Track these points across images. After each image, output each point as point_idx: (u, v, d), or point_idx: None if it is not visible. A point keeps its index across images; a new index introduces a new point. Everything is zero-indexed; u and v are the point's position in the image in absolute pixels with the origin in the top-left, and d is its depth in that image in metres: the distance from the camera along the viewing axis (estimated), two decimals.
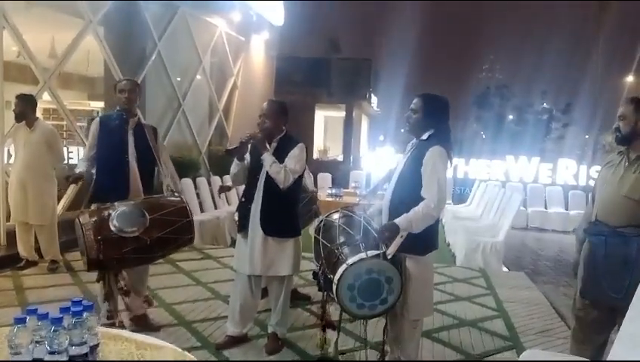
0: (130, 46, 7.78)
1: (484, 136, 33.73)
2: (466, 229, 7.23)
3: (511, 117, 32.51)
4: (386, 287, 2.73)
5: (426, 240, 2.87)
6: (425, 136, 2.89)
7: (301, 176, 3.47)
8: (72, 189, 6.24)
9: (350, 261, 2.72)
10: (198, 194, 7.60)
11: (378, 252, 2.75)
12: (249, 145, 3.39)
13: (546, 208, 11.14)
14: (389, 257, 2.73)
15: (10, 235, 5.48)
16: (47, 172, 5.25)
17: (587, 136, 29.36)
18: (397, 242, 2.73)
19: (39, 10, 6.71)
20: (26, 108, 5.13)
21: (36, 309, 1.78)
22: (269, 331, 3.58)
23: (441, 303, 4.71)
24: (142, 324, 3.72)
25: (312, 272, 3.20)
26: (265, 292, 3.76)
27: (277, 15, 12.03)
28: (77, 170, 3.67)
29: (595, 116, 25.95)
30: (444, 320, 4.32)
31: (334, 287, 2.73)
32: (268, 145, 3.35)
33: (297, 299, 4.41)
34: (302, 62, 18.00)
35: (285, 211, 3.42)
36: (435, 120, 2.90)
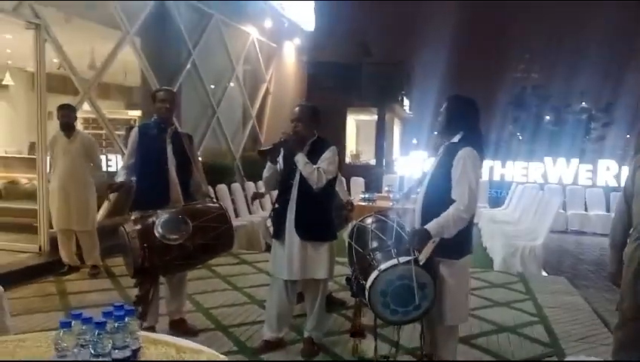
0: (166, 55, 7.96)
1: (520, 138, 33.01)
2: (503, 233, 7.09)
3: (548, 117, 31.72)
4: (419, 293, 2.68)
5: (459, 244, 2.81)
6: (455, 139, 2.85)
7: (335, 178, 3.48)
8: (111, 196, 6.41)
9: (382, 267, 2.70)
10: (232, 200, 7.69)
11: (410, 258, 2.70)
12: (282, 149, 3.42)
13: (586, 210, 10.82)
14: (421, 263, 2.69)
15: (52, 242, 5.66)
16: (87, 180, 5.41)
17: (628, 136, 28.39)
18: (429, 247, 2.69)
19: (78, 22, 6.95)
20: (71, 117, 5.34)
21: (80, 314, 1.84)
22: (305, 336, 3.59)
23: (478, 309, 4.62)
24: (181, 329, 3.77)
25: (345, 277, 3.19)
26: (301, 297, 3.77)
27: (308, 20, 12.10)
28: (117, 179, 3.76)
29: (638, 115, 25.08)
30: (482, 326, 4.24)
31: (367, 293, 2.71)
32: (305, 149, 3.37)
33: (333, 304, 4.41)
34: (333, 66, 18.05)
35: (320, 215, 3.43)
36: (465, 121, 2.87)
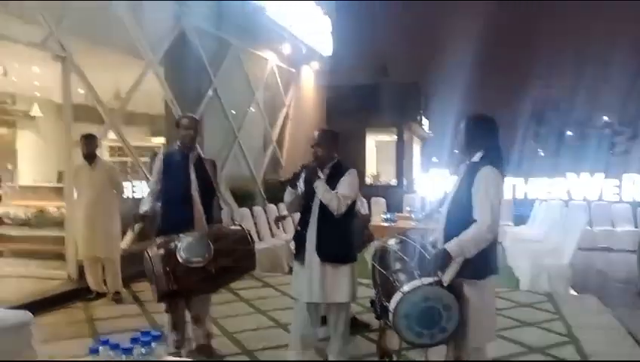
0: (188, 83, 8.14)
1: (542, 154, 32.60)
2: (529, 252, 6.97)
3: (570, 133, 31.31)
4: (444, 315, 2.65)
5: (483, 264, 2.77)
6: (476, 158, 2.83)
7: (354, 202, 3.50)
8: (136, 227, 6.51)
9: (406, 289, 2.68)
10: (255, 223, 7.75)
11: (433, 279, 2.68)
12: (302, 174, 3.47)
13: (613, 227, 10.58)
14: (445, 284, 2.67)
15: (81, 269, 5.74)
16: (112, 207, 5.53)
17: None
18: (453, 268, 2.67)
19: (103, 53, 7.17)
20: (93, 147, 5.48)
21: (107, 340, 1.88)
22: (329, 359, 3.57)
23: (506, 329, 4.54)
24: (206, 353, 3.79)
25: (369, 300, 3.18)
26: (324, 320, 3.76)
27: (326, 45, 12.27)
28: (142, 208, 3.83)
29: None
30: (510, 348, 4.16)
31: (391, 316, 2.69)
32: (320, 173, 3.41)
33: (357, 326, 4.38)
34: (351, 89, 18.18)
35: (340, 237, 3.44)
36: (484, 140, 2.84)
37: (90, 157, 5.45)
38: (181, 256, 3.19)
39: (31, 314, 3.38)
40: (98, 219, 5.41)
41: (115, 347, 1.84)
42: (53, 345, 4.10)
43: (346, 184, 3.36)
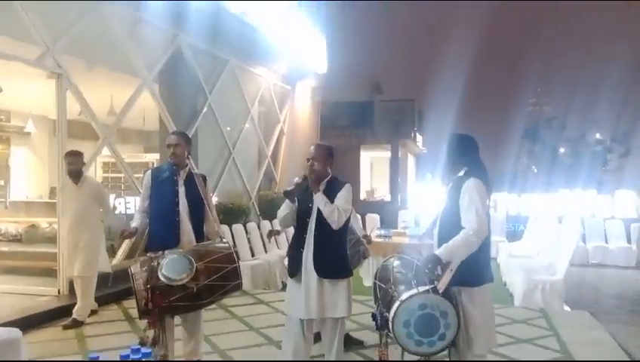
0: (183, 100, 8.18)
1: (535, 171, 32.81)
2: (522, 268, 6.98)
3: (562, 150, 31.57)
4: (442, 322, 2.71)
5: (477, 272, 2.86)
6: (461, 173, 2.97)
7: (349, 218, 3.51)
8: (124, 243, 6.47)
9: (403, 297, 2.76)
10: (249, 239, 7.72)
11: (429, 287, 2.76)
12: (302, 186, 3.47)
13: (606, 243, 10.62)
14: (440, 291, 2.73)
15: (72, 286, 5.66)
16: (97, 225, 5.37)
17: None
18: (447, 276, 2.74)
19: (98, 70, 7.20)
20: (78, 164, 5.24)
21: (98, 357, 1.87)
22: None
23: (500, 346, 4.50)
24: None
25: (371, 314, 3.18)
26: (318, 337, 3.74)
27: (320, 63, 12.38)
28: (132, 224, 3.81)
29: None
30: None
31: (390, 324, 2.75)
32: (321, 188, 3.42)
33: (350, 343, 4.36)
34: (346, 106, 18.36)
35: (337, 252, 3.45)
36: (466, 157, 2.99)
37: (76, 175, 5.22)
38: (162, 273, 3.15)
39: (19, 331, 3.34)
40: (82, 238, 5.25)
41: None
42: None
43: (343, 198, 3.38)
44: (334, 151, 3.60)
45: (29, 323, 4.80)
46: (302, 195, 3.48)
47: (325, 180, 3.48)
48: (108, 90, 8.04)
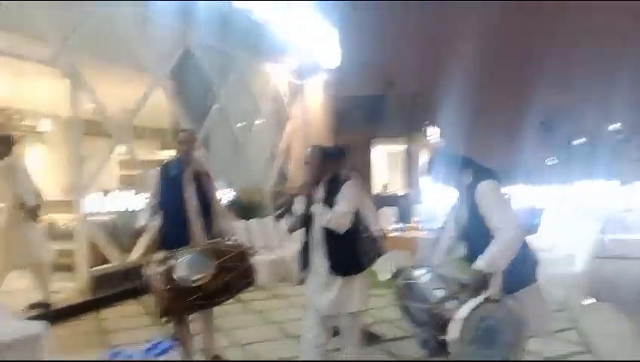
0: (195, 97, 8.20)
1: (552, 163, 32.44)
2: (541, 260, 6.87)
3: (580, 141, 31.16)
4: (505, 329, 2.58)
5: (521, 273, 2.78)
6: (468, 180, 2.86)
7: (357, 213, 3.45)
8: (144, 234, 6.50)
9: (463, 313, 2.52)
10: (265, 235, 7.73)
11: (483, 297, 2.57)
12: (293, 203, 3.46)
13: (626, 234, 10.44)
14: (492, 298, 2.57)
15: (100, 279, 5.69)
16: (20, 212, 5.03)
17: None
18: (497, 282, 2.60)
19: (111, 68, 7.23)
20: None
21: (120, 351, 1.86)
22: None
23: None
24: None
25: (418, 342, 2.99)
26: (336, 331, 3.71)
27: (332, 58, 12.31)
28: (139, 222, 3.80)
29: None
30: (526, 358, 4.07)
31: (453, 346, 2.53)
32: (321, 190, 3.37)
33: (370, 338, 4.33)
34: (359, 100, 18.25)
35: (348, 249, 3.39)
36: (465, 160, 2.93)
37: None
38: (181, 274, 3.16)
39: (48, 324, 3.35)
40: (18, 224, 5.02)
41: (129, 357, 1.83)
42: (65, 356, 4.07)
43: (343, 199, 3.31)
44: (338, 151, 3.56)
45: (48, 318, 4.84)
46: (306, 198, 3.44)
47: (326, 180, 3.43)
48: (120, 88, 8.07)
